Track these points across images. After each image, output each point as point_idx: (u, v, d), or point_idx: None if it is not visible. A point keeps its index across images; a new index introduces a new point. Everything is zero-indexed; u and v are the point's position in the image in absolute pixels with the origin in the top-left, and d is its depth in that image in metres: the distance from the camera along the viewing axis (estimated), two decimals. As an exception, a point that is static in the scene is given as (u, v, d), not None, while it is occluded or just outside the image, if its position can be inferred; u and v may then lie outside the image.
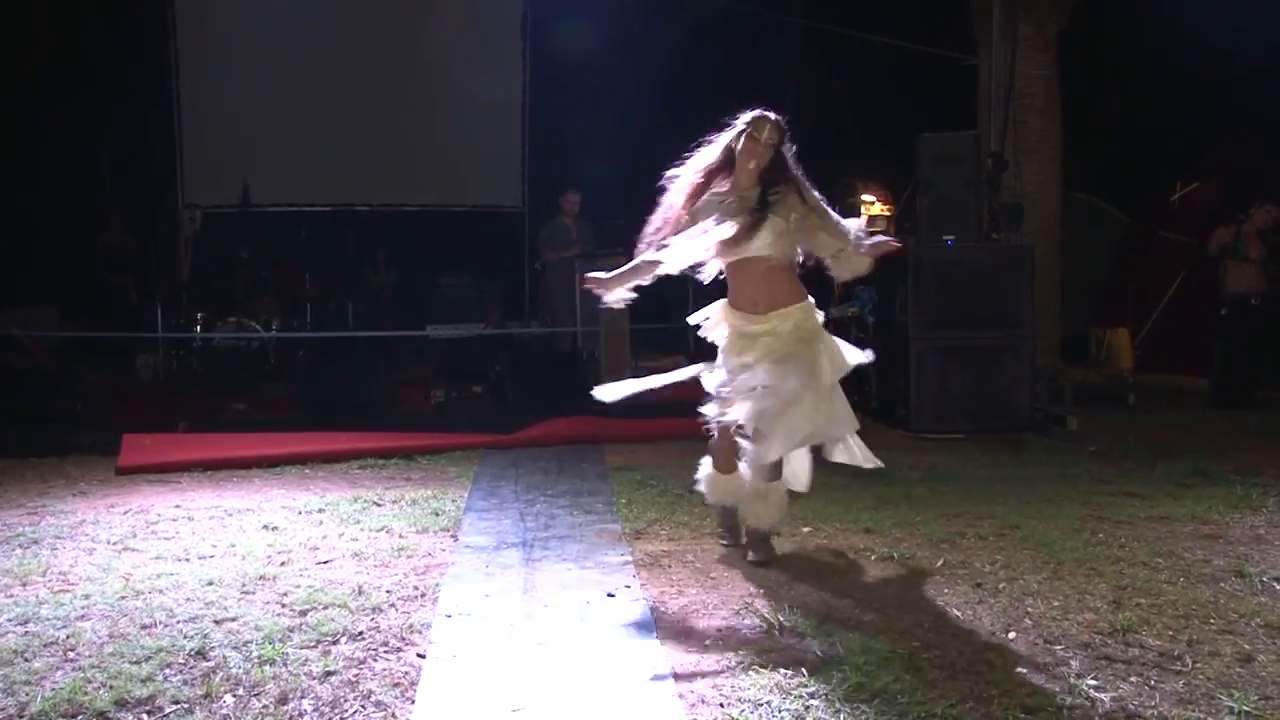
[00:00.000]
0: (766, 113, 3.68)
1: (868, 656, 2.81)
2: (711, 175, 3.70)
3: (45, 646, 2.94)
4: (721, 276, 3.79)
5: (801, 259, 3.77)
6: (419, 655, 2.87)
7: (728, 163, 3.68)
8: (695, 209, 3.68)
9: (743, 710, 2.51)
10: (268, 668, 2.76)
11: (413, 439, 6.36)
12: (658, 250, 3.68)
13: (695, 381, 3.83)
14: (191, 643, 2.93)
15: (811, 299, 3.79)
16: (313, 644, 2.95)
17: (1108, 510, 4.58)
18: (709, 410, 3.78)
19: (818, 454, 3.92)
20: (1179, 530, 4.23)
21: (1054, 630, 3.06)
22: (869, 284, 7.45)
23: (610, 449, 6.24)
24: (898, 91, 10.76)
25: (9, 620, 3.16)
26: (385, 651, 2.91)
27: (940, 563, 3.78)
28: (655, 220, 3.73)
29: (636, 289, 3.81)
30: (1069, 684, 2.65)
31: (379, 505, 4.79)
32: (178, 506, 4.78)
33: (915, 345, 6.86)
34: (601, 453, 6.15)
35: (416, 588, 3.49)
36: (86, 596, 3.39)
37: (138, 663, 2.80)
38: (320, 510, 4.67)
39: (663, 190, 3.75)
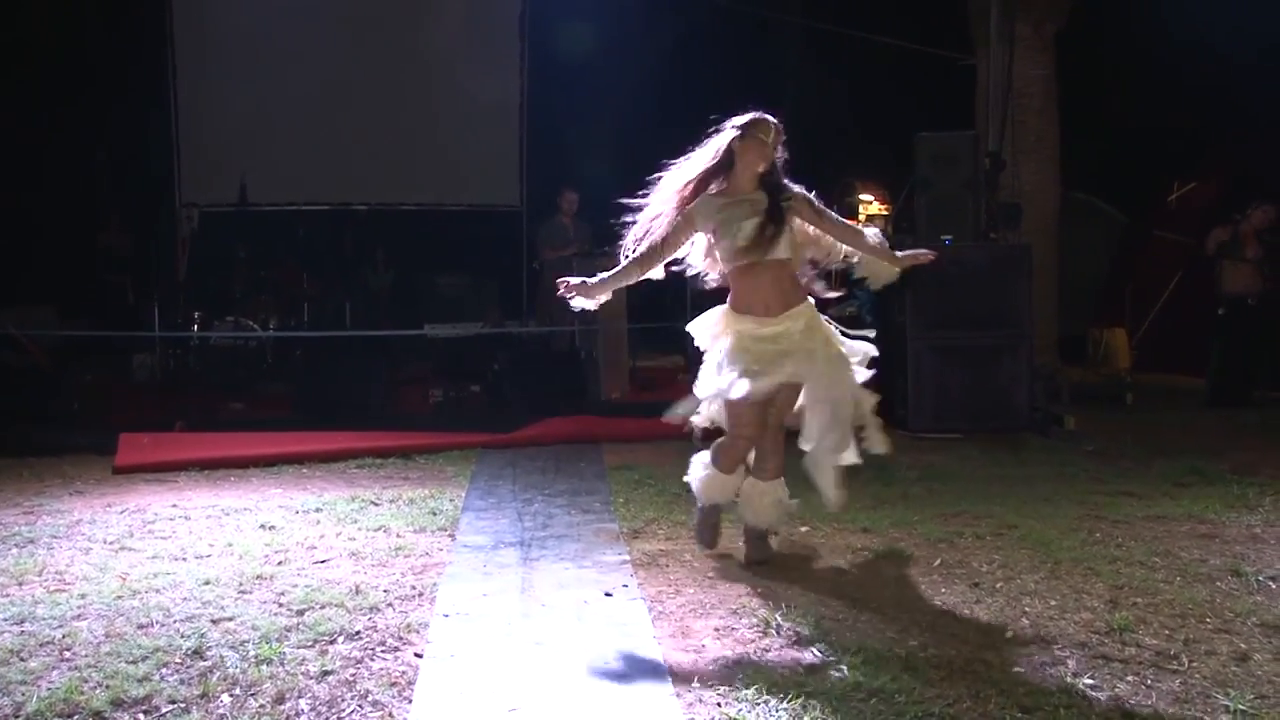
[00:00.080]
0: (766, 115, 3.66)
1: (865, 656, 2.81)
2: (709, 178, 3.64)
3: (41, 646, 2.94)
4: (714, 283, 3.78)
5: (816, 263, 3.79)
6: (416, 655, 2.87)
7: (726, 165, 3.63)
8: (691, 210, 3.64)
9: (740, 709, 2.51)
10: (264, 667, 2.76)
11: (410, 438, 6.35)
12: (647, 252, 3.65)
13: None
14: (188, 642, 2.93)
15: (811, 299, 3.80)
16: (310, 643, 2.94)
17: (1105, 509, 4.58)
18: (709, 412, 3.77)
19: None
20: (1176, 529, 4.23)
21: (1051, 629, 3.06)
22: (866, 284, 7.44)
23: (608, 448, 6.24)
24: (896, 91, 10.77)
25: (5, 620, 3.16)
26: (382, 651, 2.90)
27: (938, 562, 3.78)
28: (644, 222, 3.66)
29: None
30: (1066, 683, 2.65)
31: (376, 505, 4.78)
32: (175, 506, 4.77)
33: (913, 345, 6.86)
34: (599, 452, 6.15)
35: (414, 587, 3.49)
36: (83, 596, 3.39)
37: (134, 662, 2.80)
38: (318, 510, 4.67)
39: (650, 193, 3.69)
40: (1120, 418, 7.39)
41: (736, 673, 2.74)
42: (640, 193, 3.71)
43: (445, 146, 11.19)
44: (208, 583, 3.52)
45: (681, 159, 3.69)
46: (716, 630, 3.08)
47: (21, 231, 10.66)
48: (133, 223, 11.24)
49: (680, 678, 2.71)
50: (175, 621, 3.13)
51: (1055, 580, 3.53)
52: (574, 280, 3.69)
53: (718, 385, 3.61)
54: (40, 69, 11.35)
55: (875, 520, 4.36)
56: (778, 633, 3.03)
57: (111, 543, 4.11)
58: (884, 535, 4.17)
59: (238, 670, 2.74)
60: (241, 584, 3.52)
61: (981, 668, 2.75)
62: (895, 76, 10.81)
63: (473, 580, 3.59)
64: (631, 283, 3.75)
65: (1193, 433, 6.73)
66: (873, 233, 3.83)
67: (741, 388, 3.49)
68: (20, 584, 3.56)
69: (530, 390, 7.71)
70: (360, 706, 2.55)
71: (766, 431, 3.69)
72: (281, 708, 2.53)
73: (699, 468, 3.88)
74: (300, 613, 3.21)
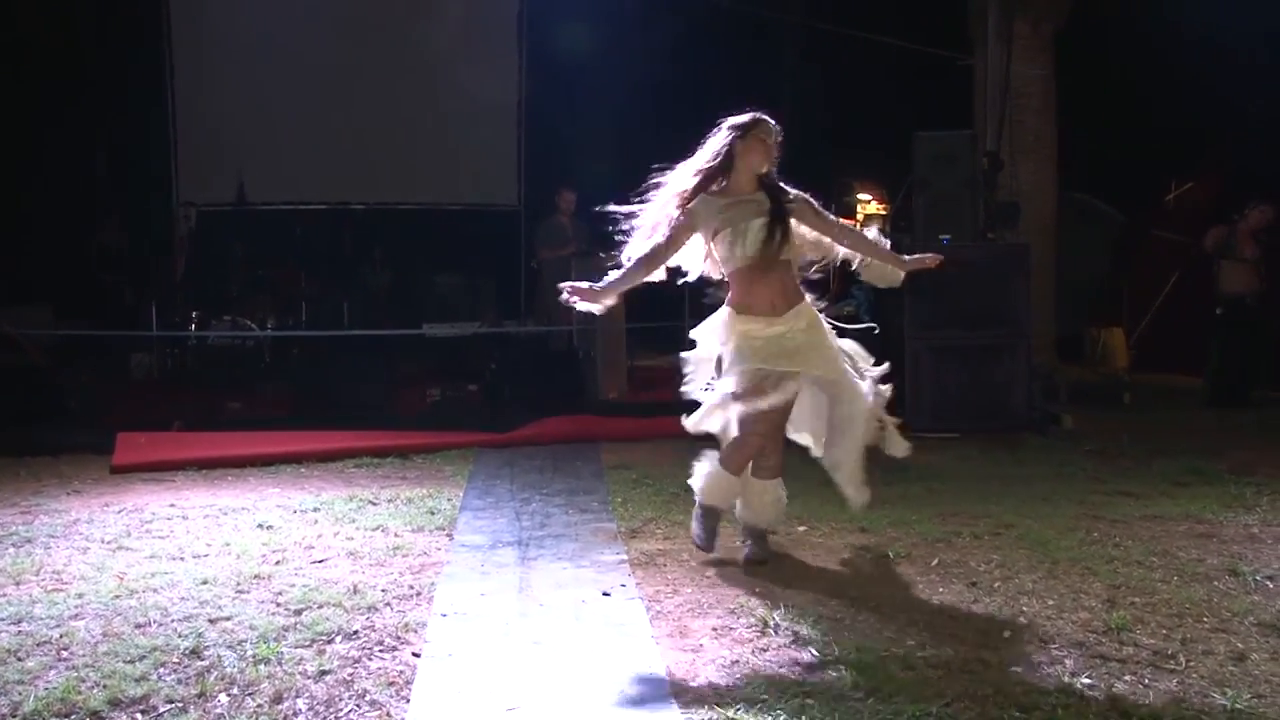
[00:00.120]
0: (765, 116, 3.66)
1: (863, 655, 2.81)
2: (710, 178, 3.63)
3: (39, 646, 2.93)
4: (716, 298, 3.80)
5: (817, 264, 3.81)
6: (414, 654, 2.87)
7: (727, 166, 3.62)
8: (692, 211, 3.64)
9: (738, 709, 2.51)
10: (262, 667, 2.75)
11: (408, 438, 6.35)
12: (651, 253, 3.64)
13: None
14: (186, 642, 2.93)
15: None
16: (308, 643, 2.94)
17: (1103, 509, 4.59)
18: (713, 413, 3.78)
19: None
20: (1173, 529, 4.24)
21: (1049, 629, 3.06)
22: (864, 283, 7.44)
23: (606, 448, 6.24)
24: (894, 91, 10.76)
25: (2, 619, 3.16)
26: (380, 650, 2.90)
27: (936, 562, 3.78)
28: (646, 224, 3.65)
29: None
30: (1063, 682, 2.65)
31: (374, 504, 4.78)
32: (172, 505, 4.77)
33: (911, 344, 6.86)
34: (597, 451, 6.15)
35: (412, 587, 3.49)
36: (80, 595, 3.38)
37: (132, 662, 2.79)
38: (315, 509, 4.67)
39: (648, 194, 3.68)
40: (1118, 417, 7.39)
41: (734, 672, 2.74)
42: (639, 193, 3.70)
43: (443, 146, 11.18)
44: (205, 582, 3.52)
45: (681, 160, 3.68)
46: (714, 630, 3.08)
47: (18, 230, 10.64)
48: (130, 222, 11.22)
49: (678, 677, 2.71)
50: (173, 621, 3.13)
51: (1053, 580, 3.54)
52: (581, 285, 3.65)
53: (732, 385, 3.63)
54: (38, 68, 11.32)
55: (873, 520, 4.36)
56: (776, 632, 3.03)
57: (109, 542, 4.11)
58: (882, 535, 4.17)
59: (235, 670, 2.74)
60: (239, 583, 3.51)
61: (979, 667, 2.75)
62: (893, 76, 10.80)
63: (470, 580, 3.58)
64: (636, 285, 3.74)
65: (1190, 432, 6.74)
66: (873, 234, 3.85)
67: (752, 382, 3.55)
68: (17, 583, 3.56)
69: (528, 390, 7.70)
70: (358, 706, 2.54)
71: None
72: (279, 707, 2.53)
73: (705, 467, 3.83)
74: (298, 612, 3.20)
